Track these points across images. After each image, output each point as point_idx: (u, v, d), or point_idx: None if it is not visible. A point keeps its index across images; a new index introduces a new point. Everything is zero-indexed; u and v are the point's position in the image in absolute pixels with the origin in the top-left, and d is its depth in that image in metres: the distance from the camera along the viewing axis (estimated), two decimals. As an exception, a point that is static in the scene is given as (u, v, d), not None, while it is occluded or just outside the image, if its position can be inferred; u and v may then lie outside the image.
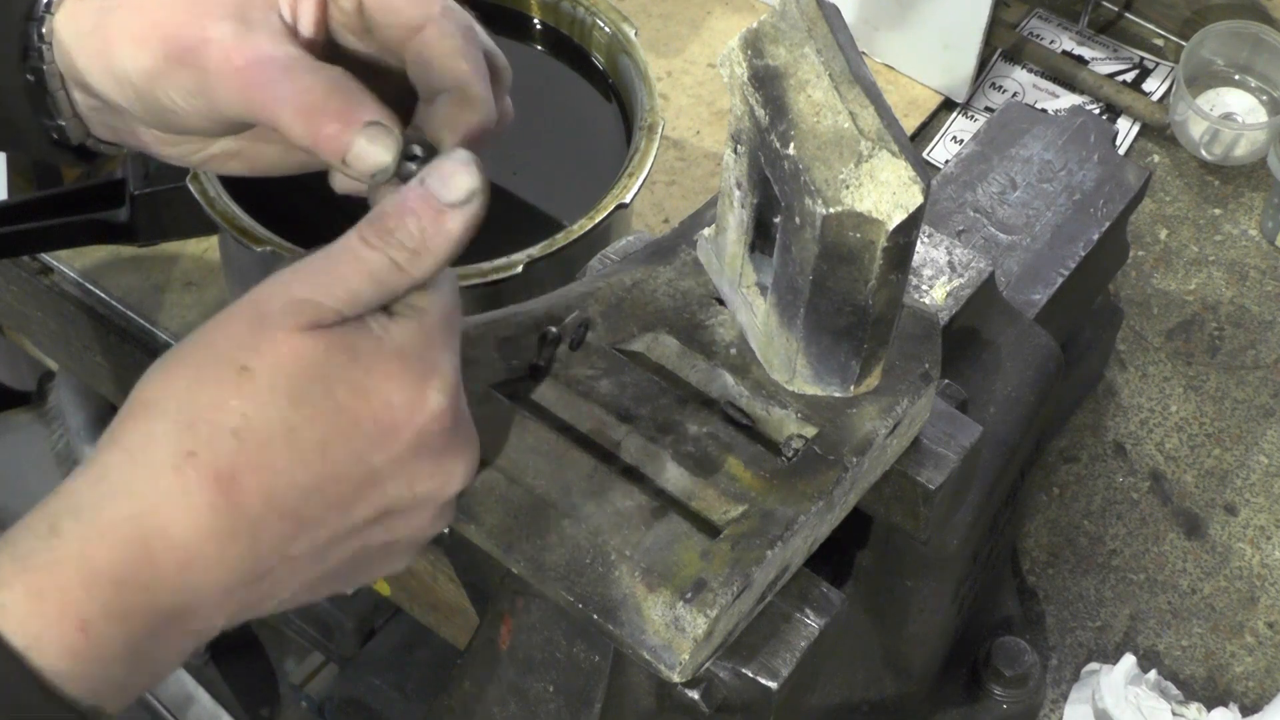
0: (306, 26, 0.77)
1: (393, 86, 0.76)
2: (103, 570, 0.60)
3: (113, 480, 0.61)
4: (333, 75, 0.72)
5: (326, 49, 0.78)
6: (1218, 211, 1.36)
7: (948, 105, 1.41)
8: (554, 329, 0.79)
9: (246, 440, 0.61)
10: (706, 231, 0.82)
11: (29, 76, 0.81)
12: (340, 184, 0.79)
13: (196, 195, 1.01)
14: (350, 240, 0.66)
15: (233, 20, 0.74)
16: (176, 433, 0.61)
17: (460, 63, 0.75)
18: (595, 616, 0.71)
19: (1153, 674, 1.07)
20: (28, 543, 0.60)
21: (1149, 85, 1.43)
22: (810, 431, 0.77)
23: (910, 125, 1.39)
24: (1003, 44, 1.45)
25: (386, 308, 0.65)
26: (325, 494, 0.63)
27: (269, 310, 0.63)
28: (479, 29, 0.78)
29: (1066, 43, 1.46)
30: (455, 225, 0.66)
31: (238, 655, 1.79)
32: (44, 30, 0.80)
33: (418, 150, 0.71)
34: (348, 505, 0.64)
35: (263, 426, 0.61)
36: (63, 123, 0.83)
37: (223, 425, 0.61)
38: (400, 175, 0.71)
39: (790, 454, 0.76)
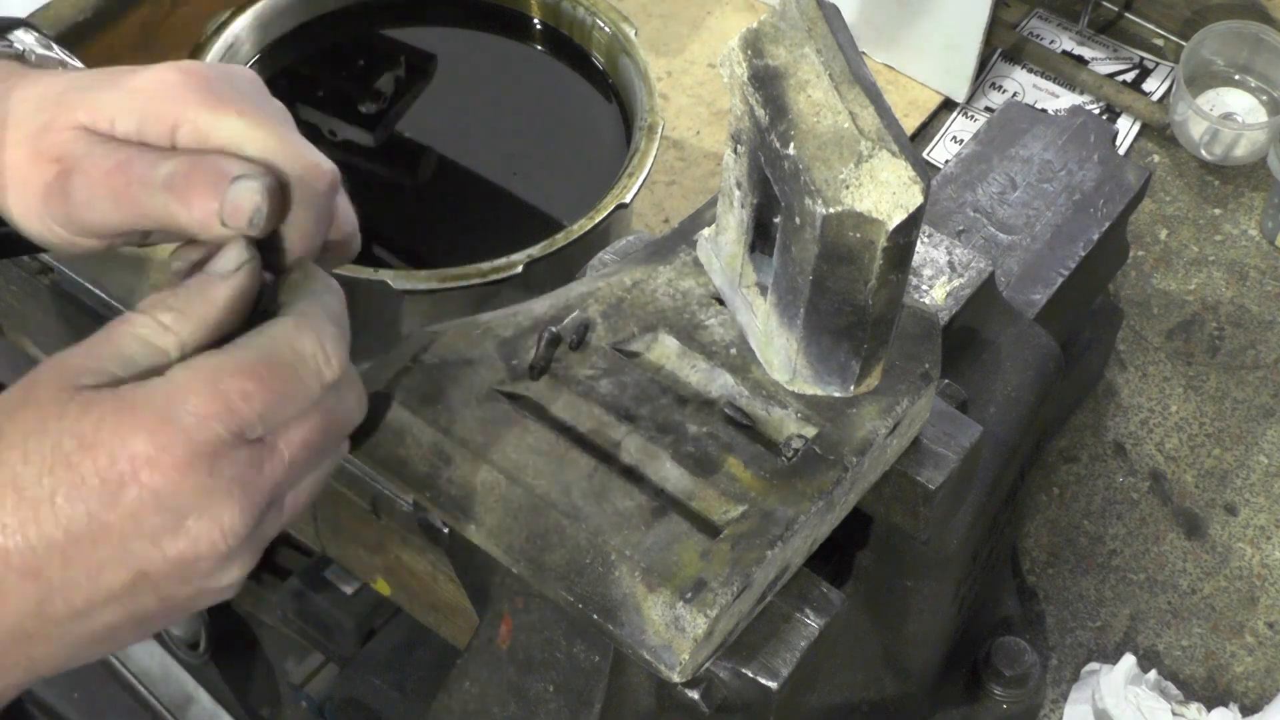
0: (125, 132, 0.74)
1: None
2: None
3: None
4: (187, 156, 0.71)
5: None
6: (1218, 211, 1.36)
7: (948, 105, 1.41)
8: (554, 329, 0.79)
9: None
10: (706, 231, 0.82)
11: None
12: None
13: (196, 195, 1.01)
14: (124, 314, 0.67)
15: (61, 147, 0.73)
16: None
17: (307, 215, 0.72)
18: (595, 616, 0.71)
19: (1153, 674, 1.07)
20: None
21: (1149, 85, 1.43)
22: (810, 431, 0.77)
23: (910, 125, 1.39)
24: (1003, 44, 1.45)
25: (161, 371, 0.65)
26: (65, 553, 0.62)
27: (38, 375, 0.64)
28: (275, 173, 0.73)
29: (1066, 43, 1.46)
30: (219, 292, 0.67)
31: (238, 655, 1.79)
32: None
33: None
34: (95, 568, 0.63)
35: None
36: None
37: None
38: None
39: (790, 454, 0.76)
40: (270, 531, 0.67)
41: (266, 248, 0.69)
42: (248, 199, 0.70)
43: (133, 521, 0.62)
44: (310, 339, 0.66)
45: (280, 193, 0.70)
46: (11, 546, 0.61)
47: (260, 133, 0.72)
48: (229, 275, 0.67)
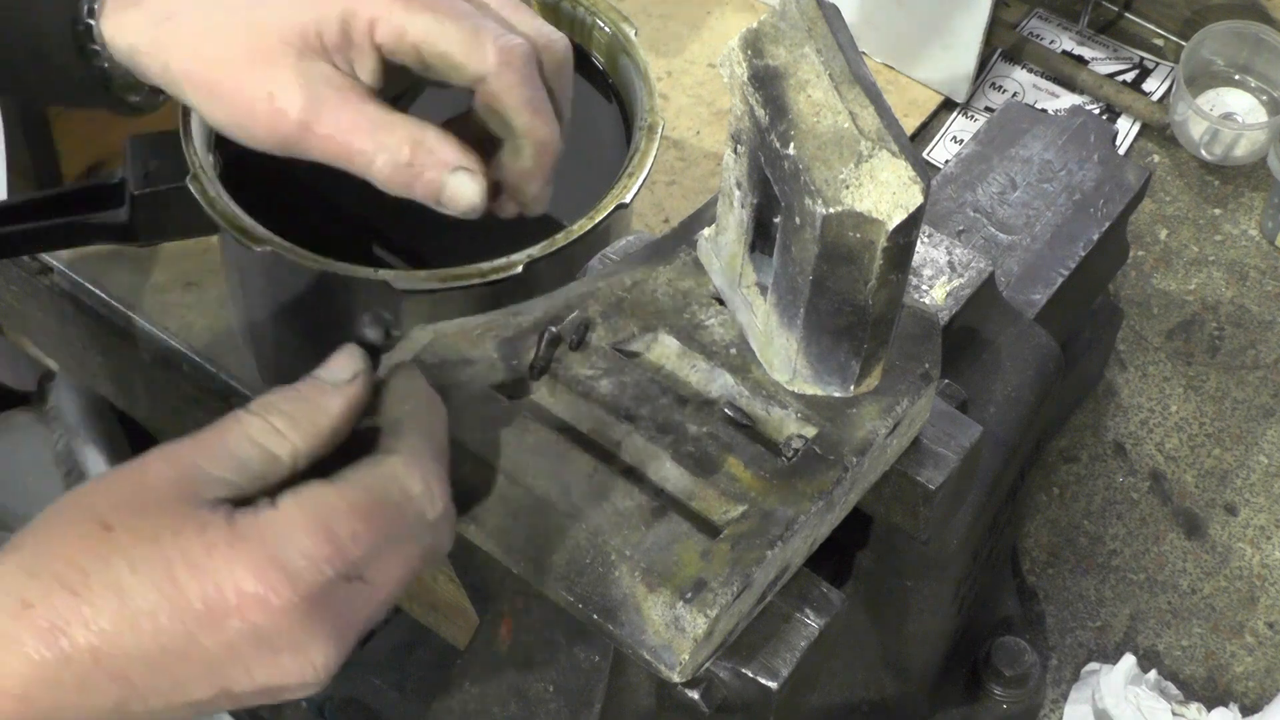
0: (366, 74, 0.84)
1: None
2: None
3: None
4: (410, 130, 0.80)
5: (387, 72, 0.84)
6: (1218, 211, 1.36)
7: (948, 105, 1.41)
8: (554, 329, 0.79)
9: (81, 595, 0.62)
10: (706, 231, 0.82)
11: (82, 66, 0.86)
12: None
13: (196, 195, 1.01)
14: (235, 412, 0.67)
15: (298, 85, 0.80)
16: (21, 580, 0.62)
17: (524, 115, 0.82)
18: (595, 616, 0.71)
19: (1153, 674, 1.07)
20: None
21: (1149, 85, 1.43)
22: (810, 431, 0.77)
23: (910, 125, 1.39)
24: (1003, 44, 1.45)
25: (273, 496, 0.65)
26: (155, 665, 0.63)
27: (154, 471, 0.64)
28: (537, 35, 0.83)
29: (1066, 43, 1.46)
30: (334, 402, 0.68)
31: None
32: (94, 28, 0.87)
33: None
34: (182, 682, 0.64)
35: (98, 586, 0.62)
36: (104, 65, 0.87)
37: (64, 580, 0.62)
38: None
39: (790, 454, 0.76)
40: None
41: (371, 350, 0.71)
42: (465, 196, 0.83)
43: (229, 649, 0.63)
44: (419, 480, 0.67)
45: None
46: (104, 650, 0.62)
47: (452, 27, 0.78)
48: (343, 386, 0.68)
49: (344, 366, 0.69)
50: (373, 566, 0.65)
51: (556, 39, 0.86)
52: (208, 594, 0.62)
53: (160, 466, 0.64)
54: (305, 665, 0.64)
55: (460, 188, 0.80)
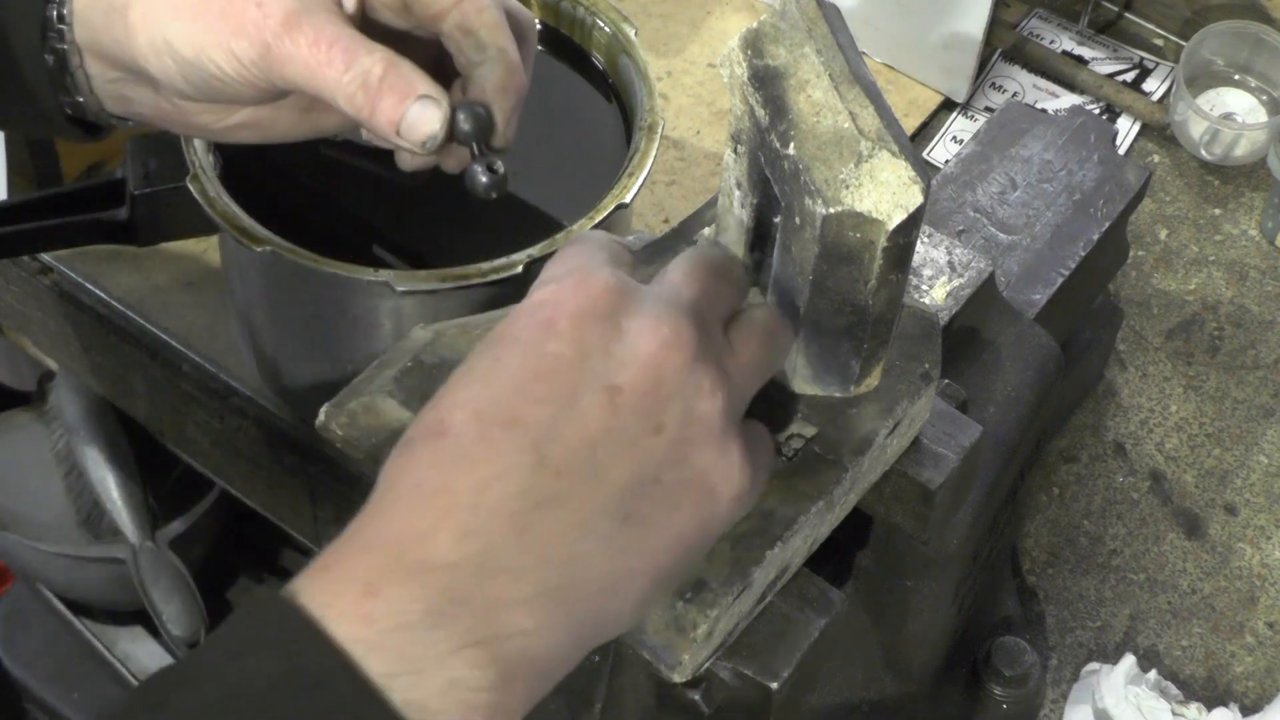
0: (350, 4, 0.85)
1: (421, 60, 0.84)
2: (384, 541, 0.61)
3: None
4: (386, 54, 0.81)
5: (364, 24, 0.84)
6: (1218, 211, 1.36)
7: (948, 105, 1.41)
8: (554, 329, 0.79)
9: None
10: (706, 231, 0.82)
11: (48, 57, 0.85)
12: (405, 161, 0.88)
13: (196, 195, 1.01)
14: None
15: None
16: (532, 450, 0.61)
17: (499, 33, 0.84)
18: (595, 616, 0.71)
19: (1153, 674, 1.07)
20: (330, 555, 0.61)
21: (1149, 85, 1.44)
22: (810, 431, 0.77)
23: (910, 125, 1.39)
24: (1003, 44, 1.45)
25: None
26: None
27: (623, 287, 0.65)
28: (513, 14, 0.86)
29: (1066, 43, 1.46)
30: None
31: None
32: (64, 11, 0.86)
33: (480, 110, 0.83)
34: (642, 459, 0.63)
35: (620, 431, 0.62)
36: (80, 99, 0.87)
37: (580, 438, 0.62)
38: (458, 139, 0.83)
39: (790, 454, 0.76)
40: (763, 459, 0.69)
41: None
42: (427, 122, 0.81)
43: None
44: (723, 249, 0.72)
45: (484, 118, 0.83)
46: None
47: None
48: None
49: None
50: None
51: (524, 10, 0.90)
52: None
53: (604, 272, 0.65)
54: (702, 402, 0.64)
55: (422, 113, 0.81)
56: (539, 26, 1.19)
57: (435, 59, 0.88)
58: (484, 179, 0.84)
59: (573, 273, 0.65)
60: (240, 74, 0.83)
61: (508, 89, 0.85)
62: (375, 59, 0.81)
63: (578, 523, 0.61)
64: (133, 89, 0.88)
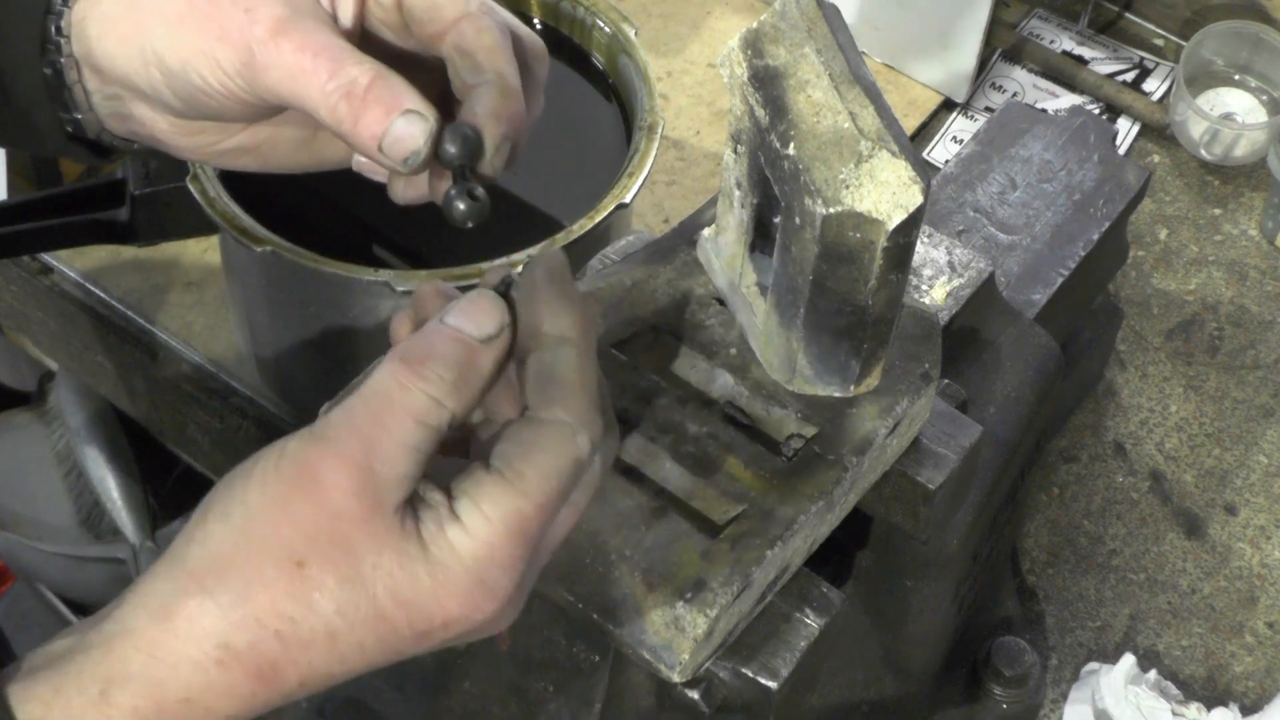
0: (346, 19, 0.82)
1: (424, 83, 0.80)
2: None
3: (161, 659, 0.64)
4: (375, 66, 0.77)
5: (363, 43, 0.82)
6: (1218, 211, 1.36)
7: (948, 105, 1.41)
8: (554, 329, 0.79)
9: (289, 642, 0.64)
10: (706, 231, 0.82)
11: (47, 70, 0.84)
12: (398, 193, 0.82)
13: (196, 195, 1.01)
14: (383, 384, 0.66)
15: (278, 3, 0.78)
16: (223, 630, 0.63)
17: (498, 56, 0.80)
18: (595, 616, 0.71)
19: (1153, 674, 1.07)
20: (79, 702, 0.63)
21: (1149, 85, 1.44)
22: (810, 431, 0.77)
23: (910, 125, 1.39)
24: (1003, 44, 1.45)
25: (450, 499, 0.65)
26: (352, 671, 0.66)
27: (334, 492, 0.64)
28: (516, 23, 0.82)
29: (1066, 43, 1.46)
30: (486, 360, 0.67)
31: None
32: (62, 24, 0.83)
33: (469, 132, 0.75)
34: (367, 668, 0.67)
35: (306, 631, 0.64)
36: (79, 116, 0.86)
37: (269, 628, 0.63)
38: (442, 161, 0.75)
39: (790, 454, 0.76)
40: None
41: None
42: (411, 138, 0.75)
43: (429, 646, 0.66)
44: (587, 442, 0.66)
45: (473, 141, 0.75)
46: (312, 680, 0.65)
47: None
48: (492, 341, 0.67)
49: (488, 318, 0.67)
50: (552, 533, 0.67)
51: (535, 38, 0.86)
52: (414, 621, 0.64)
53: (336, 479, 0.64)
54: (491, 630, 0.66)
55: (407, 128, 0.75)
56: (538, 26, 1.19)
57: (441, 86, 0.83)
58: (461, 205, 0.78)
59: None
60: (223, 84, 0.80)
61: (501, 115, 0.79)
62: (363, 69, 0.77)
63: None
64: (129, 106, 0.86)
